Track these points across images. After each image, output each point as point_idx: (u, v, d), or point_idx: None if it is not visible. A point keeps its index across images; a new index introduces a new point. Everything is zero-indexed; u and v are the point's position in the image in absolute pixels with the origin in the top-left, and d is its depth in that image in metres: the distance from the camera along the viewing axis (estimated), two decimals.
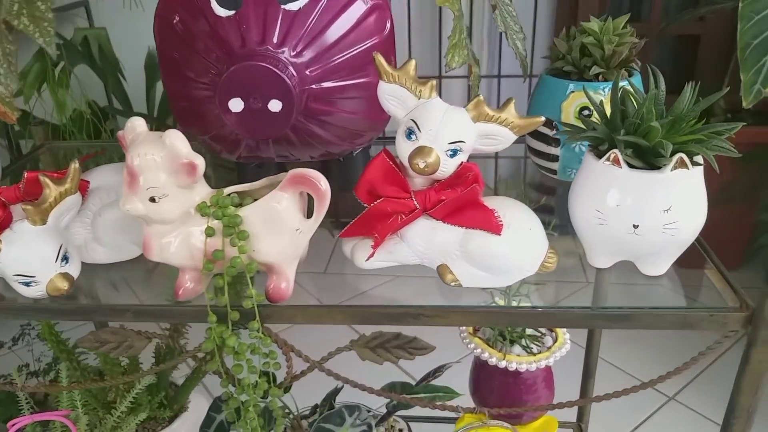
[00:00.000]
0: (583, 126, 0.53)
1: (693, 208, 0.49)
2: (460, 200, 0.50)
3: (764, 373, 0.47)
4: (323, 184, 0.49)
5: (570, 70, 0.67)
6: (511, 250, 0.50)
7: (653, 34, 2.04)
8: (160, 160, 0.48)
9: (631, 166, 0.49)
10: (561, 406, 0.58)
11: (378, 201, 0.52)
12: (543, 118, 0.51)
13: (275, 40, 0.53)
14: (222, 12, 0.54)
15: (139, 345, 0.54)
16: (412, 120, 0.50)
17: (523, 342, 0.85)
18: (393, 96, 0.52)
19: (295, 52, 0.54)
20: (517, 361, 0.81)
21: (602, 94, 0.64)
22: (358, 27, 0.57)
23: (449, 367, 0.82)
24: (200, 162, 0.48)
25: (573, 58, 0.66)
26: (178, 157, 0.47)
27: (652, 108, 0.49)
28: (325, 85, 0.57)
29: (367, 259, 0.53)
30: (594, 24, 0.65)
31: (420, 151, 0.49)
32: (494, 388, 0.85)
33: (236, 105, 0.51)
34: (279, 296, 0.52)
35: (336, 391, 0.87)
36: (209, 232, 0.49)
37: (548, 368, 0.87)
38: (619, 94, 0.52)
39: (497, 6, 0.66)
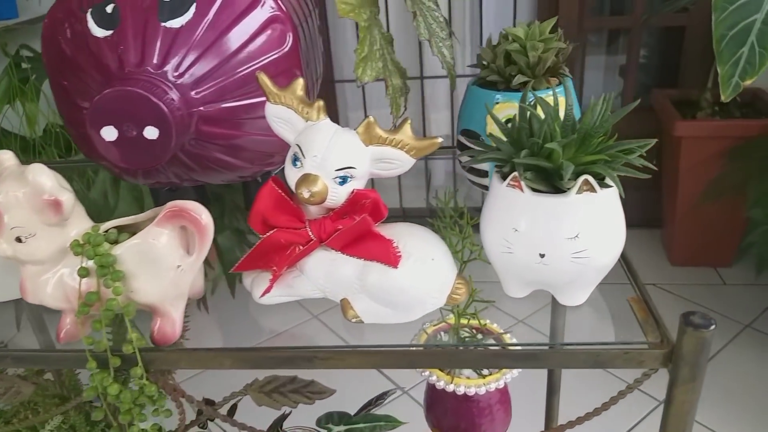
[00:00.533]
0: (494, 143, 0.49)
1: (604, 234, 0.44)
2: (354, 231, 0.46)
3: (688, 413, 0.43)
4: (204, 217, 0.46)
5: (496, 80, 0.62)
6: (412, 283, 0.46)
7: (636, 26, 1.99)
8: (23, 198, 0.44)
9: (537, 189, 0.44)
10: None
11: (271, 232, 0.48)
12: (440, 140, 0.46)
13: (155, 60, 0.49)
14: (99, 32, 0.50)
15: (26, 391, 0.51)
16: (297, 145, 0.46)
17: None
18: (280, 118, 0.48)
19: (177, 73, 0.50)
20: (465, 384, 0.76)
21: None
22: (253, 42, 0.53)
23: (393, 393, 0.78)
24: (66, 198, 0.44)
25: (498, 67, 0.61)
26: (41, 194, 0.44)
27: (555, 126, 0.44)
28: (219, 106, 0.53)
29: (262, 295, 0.49)
30: (519, 29, 0.61)
31: (305, 179, 0.45)
32: (447, 412, 0.81)
33: (109, 133, 0.47)
34: (164, 339, 0.48)
35: (284, 417, 0.83)
36: (82, 273, 0.46)
37: (504, 389, 0.82)
38: (534, 108, 0.47)
39: (417, 13, 0.62)
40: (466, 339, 0.82)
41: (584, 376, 1.54)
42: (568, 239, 0.43)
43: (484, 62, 0.63)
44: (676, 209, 1.92)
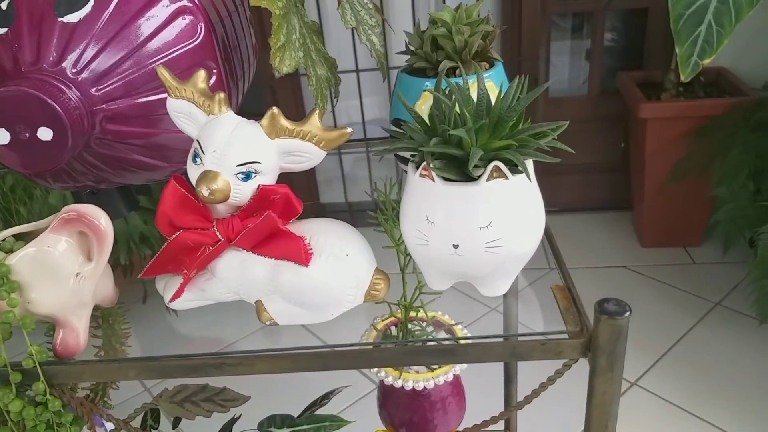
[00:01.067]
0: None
1: (520, 222, 0.43)
2: (260, 229, 0.44)
3: (611, 404, 0.41)
4: (103, 222, 0.43)
5: (424, 66, 0.60)
6: (324, 282, 0.44)
7: (600, 9, 1.98)
8: None
9: (449, 178, 0.42)
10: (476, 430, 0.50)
11: (177, 233, 0.46)
12: (350, 130, 0.44)
13: (51, 57, 0.47)
14: None
15: None
16: (197, 140, 0.44)
17: None
18: (182, 113, 0.45)
19: (76, 70, 0.47)
20: (414, 379, 0.75)
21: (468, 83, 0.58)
22: (160, 35, 0.51)
23: (339, 392, 0.77)
24: None
25: (426, 53, 0.59)
26: None
27: (466, 112, 0.42)
28: (129, 102, 0.50)
29: (171, 300, 0.47)
30: (445, 13, 0.59)
31: (204, 176, 0.42)
32: (399, 408, 0.80)
33: (2, 136, 0.45)
34: (67, 351, 0.46)
35: (233, 421, 0.81)
36: None
37: (456, 381, 0.81)
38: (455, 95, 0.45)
39: (342, 0, 0.60)
40: (416, 333, 0.81)
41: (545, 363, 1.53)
42: (481, 229, 0.42)
43: (412, 48, 0.61)
44: (644, 191, 1.92)
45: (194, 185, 0.44)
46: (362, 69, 1.98)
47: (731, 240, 1.67)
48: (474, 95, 0.45)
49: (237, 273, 0.46)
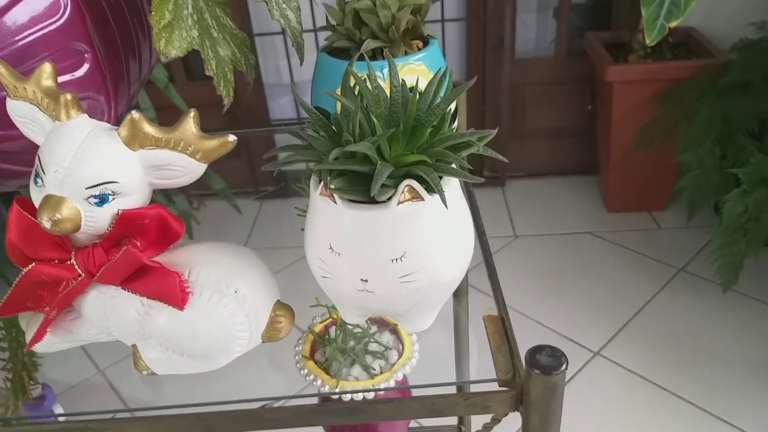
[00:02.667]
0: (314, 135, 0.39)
1: (441, 249, 0.35)
2: (121, 265, 0.36)
3: None
4: None
5: (347, 46, 0.51)
6: (206, 328, 0.36)
7: None
8: None
9: (356, 200, 0.35)
10: None
11: (31, 266, 0.37)
12: (233, 138, 0.36)
13: None
14: None
15: None
16: (38, 156, 0.35)
17: (367, 359, 0.72)
18: (25, 118, 0.36)
19: None
20: (352, 387, 0.68)
21: (382, 77, 0.49)
22: (8, 14, 0.41)
23: (270, 405, 0.70)
24: None
25: (348, 30, 0.51)
26: None
27: (373, 115, 0.34)
28: None
29: (30, 344, 0.39)
30: None
31: (45, 203, 0.34)
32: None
33: None
34: None
35: None
36: None
37: (403, 381, 0.75)
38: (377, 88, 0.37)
39: None
40: (357, 334, 0.74)
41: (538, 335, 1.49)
42: (393, 261, 0.34)
43: (333, 24, 0.52)
44: (610, 156, 1.86)
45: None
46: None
47: (696, 207, 1.63)
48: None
49: (105, 313, 0.38)
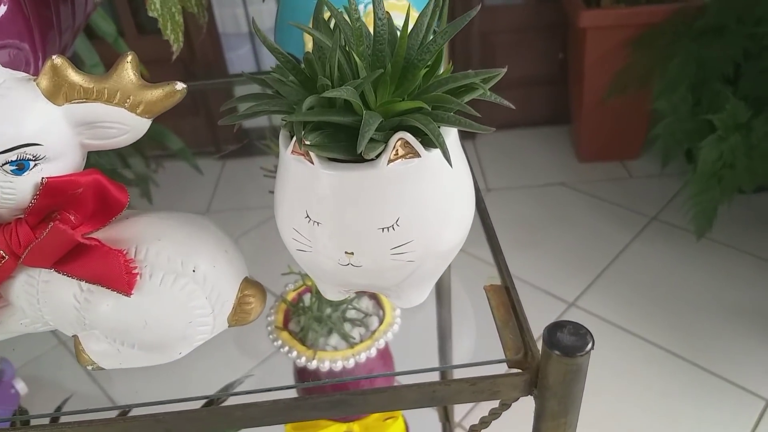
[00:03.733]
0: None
1: (438, 214, 0.30)
2: (50, 244, 0.29)
3: None
4: None
5: None
6: (159, 315, 0.30)
7: None
8: None
9: (336, 159, 0.29)
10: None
11: None
12: (181, 86, 0.29)
13: None
14: None
15: None
16: None
17: (345, 327, 0.68)
18: None
19: None
20: (330, 358, 0.64)
21: (360, 12, 0.42)
22: None
23: (241, 383, 0.65)
24: None
25: None
26: None
27: (354, 53, 0.28)
28: None
29: None
30: None
31: None
32: (316, 387, 0.69)
33: None
34: None
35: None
36: None
37: (383, 351, 0.71)
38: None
39: None
40: (335, 302, 0.69)
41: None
42: (384, 230, 0.28)
43: None
44: (582, 104, 1.82)
45: None
46: None
47: (670, 155, 1.61)
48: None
49: (38, 300, 0.32)
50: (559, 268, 1.60)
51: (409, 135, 0.27)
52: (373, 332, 0.66)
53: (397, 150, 0.28)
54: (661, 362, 1.32)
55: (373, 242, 0.29)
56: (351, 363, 0.64)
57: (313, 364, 0.63)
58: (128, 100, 0.29)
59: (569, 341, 0.27)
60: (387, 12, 0.31)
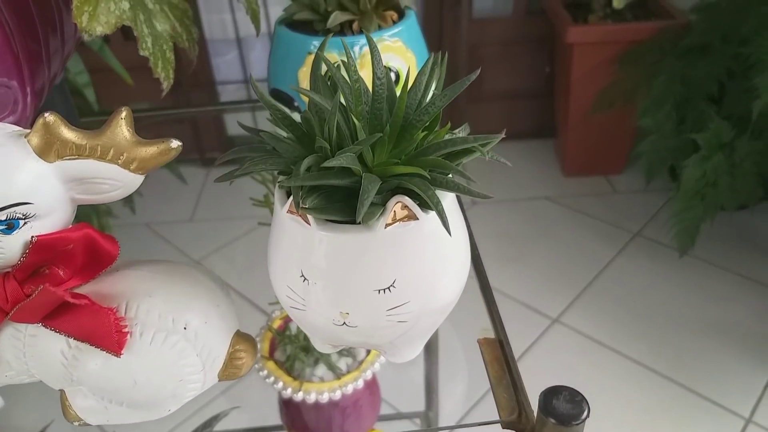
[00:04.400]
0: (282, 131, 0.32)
1: (436, 274, 0.29)
2: (39, 304, 0.28)
3: None
4: None
5: (310, 18, 0.44)
6: (149, 376, 0.30)
7: None
8: None
9: (333, 219, 0.28)
10: None
11: None
12: (176, 144, 0.29)
13: None
14: None
15: None
16: None
17: (332, 358, 0.67)
18: None
19: None
20: (317, 390, 0.63)
21: (354, 55, 0.42)
22: None
23: (226, 415, 0.64)
24: None
25: (312, 0, 0.43)
26: None
27: (353, 116, 0.28)
28: None
29: None
30: None
31: None
32: (302, 417, 0.68)
33: None
34: None
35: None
36: None
37: (370, 382, 0.70)
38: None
39: None
40: None
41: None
42: (381, 291, 0.28)
43: None
44: (568, 119, 1.83)
45: None
46: None
47: (654, 172, 1.63)
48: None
49: (24, 353, 0.31)
50: (542, 283, 1.61)
51: (407, 198, 0.27)
52: (361, 363, 0.66)
53: (395, 213, 0.27)
54: (642, 379, 1.33)
55: (369, 303, 0.28)
56: (337, 395, 0.63)
57: (299, 396, 0.63)
58: (122, 157, 0.28)
59: (565, 409, 0.27)
60: (386, 67, 0.31)
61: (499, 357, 0.32)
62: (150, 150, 0.28)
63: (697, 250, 1.57)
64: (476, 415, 1.13)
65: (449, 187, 0.27)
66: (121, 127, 0.28)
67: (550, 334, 1.47)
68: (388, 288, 0.28)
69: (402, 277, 0.28)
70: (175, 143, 0.28)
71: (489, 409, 0.30)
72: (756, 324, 1.43)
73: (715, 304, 1.49)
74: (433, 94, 0.29)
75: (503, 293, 1.59)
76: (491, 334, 0.33)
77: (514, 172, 2.02)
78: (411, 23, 0.44)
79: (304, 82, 0.43)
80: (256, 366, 0.65)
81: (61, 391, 0.32)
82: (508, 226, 1.81)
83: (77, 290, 0.31)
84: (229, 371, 0.32)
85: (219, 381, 0.33)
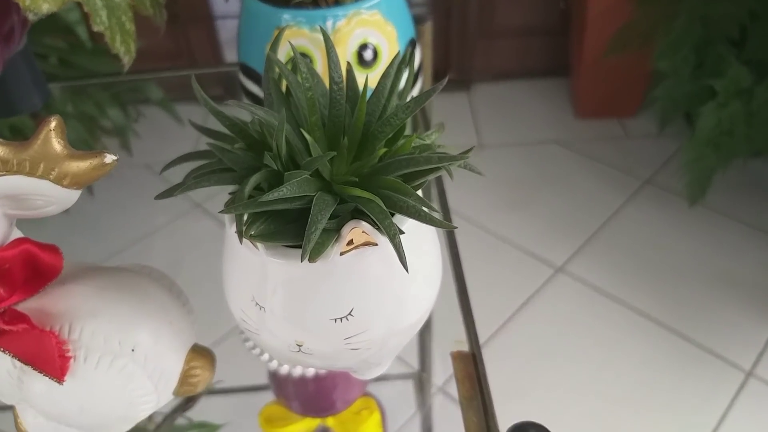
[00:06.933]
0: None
1: (399, 299, 0.27)
2: None
3: None
4: None
5: None
6: (95, 401, 0.28)
7: None
8: None
9: (288, 244, 0.26)
10: None
11: None
12: (111, 158, 0.26)
13: None
14: None
15: None
16: None
17: None
18: None
19: None
20: None
21: (329, 28, 0.38)
22: None
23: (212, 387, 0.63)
24: None
25: None
26: None
27: (310, 126, 0.24)
28: None
29: None
30: None
31: None
32: (289, 387, 0.68)
33: None
34: None
35: None
36: None
37: None
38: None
39: None
40: None
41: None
42: (336, 320, 0.26)
43: None
44: (582, 58, 1.75)
45: None
46: None
47: (668, 118, 1.57)
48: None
49: None
50: (548, 231, 1.58)
51: (364, 223, 0.25)
52: None
53: (353, 239, 0.25)
54: (644, 330, 1.32)
55: (325, 332, 0.26)
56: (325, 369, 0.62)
57: (284, 369, 0.62)
58: (53, 172, 0.26)
59: None
60: (349, 64, 0.27)
61: (471, 374, 0.30)
62: (82, 165, 0.26)
63: (707, 199, 1.52)
64: None
65: (410, 213, 0.24)
66: (51, 140, 0.25)
67: (554, 284, 1.46)
68: (345, 317, 0.26)
69: (360, 305, 0.26)
70: (110, 158, 0.26)
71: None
72: (763, 277, 1.40)
73: (724, 255, 1.46)
74: (397, 105, 0.25)
75: (507, 240, 1.56)
76: (466, 347, 0.31)
77: (524, 113, 1.95)
78: (397, 2, 0.40)
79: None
80: (242, 336, 0.64)
81: (13, 406, 0.31)
82: (515, 170, 1.76)
83: (21, 305, 0.29)
84: (185, 388, 0.31)
85: (175, 396, 0.31)
